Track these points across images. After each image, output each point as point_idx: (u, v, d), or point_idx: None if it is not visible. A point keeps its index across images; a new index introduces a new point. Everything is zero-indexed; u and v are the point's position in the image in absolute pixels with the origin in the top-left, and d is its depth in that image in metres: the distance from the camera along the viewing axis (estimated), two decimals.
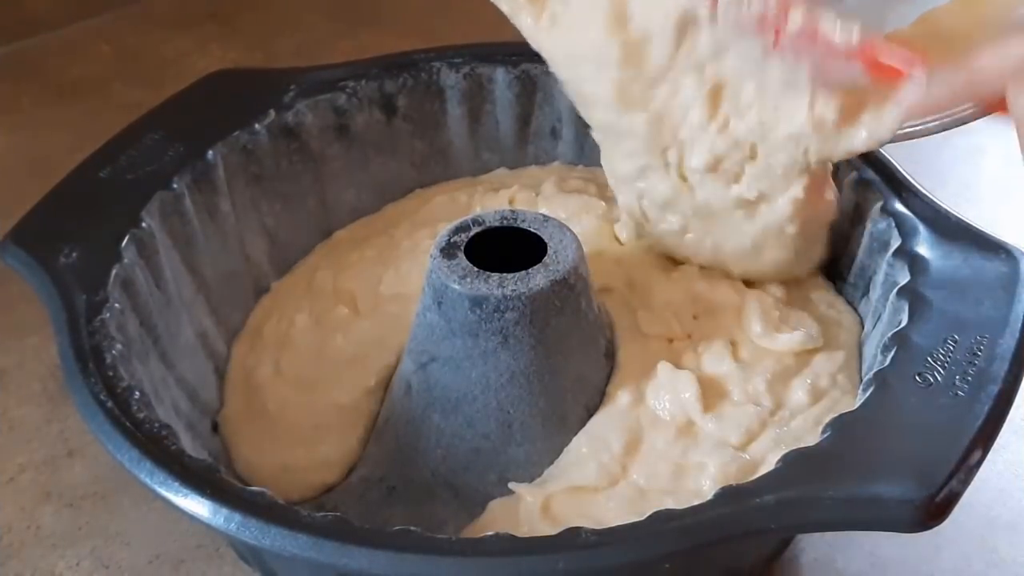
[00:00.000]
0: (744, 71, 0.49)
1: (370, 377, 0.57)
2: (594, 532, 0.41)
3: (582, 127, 0.68)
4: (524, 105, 0.68)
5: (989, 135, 0.78)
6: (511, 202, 0.65)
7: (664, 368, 0.53)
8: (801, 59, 0.43)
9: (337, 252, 0.65)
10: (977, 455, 0.42)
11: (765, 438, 0.51)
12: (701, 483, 0.50)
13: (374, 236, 0.65)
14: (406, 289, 0.60)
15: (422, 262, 0.60)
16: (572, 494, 0.51)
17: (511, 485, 0.52)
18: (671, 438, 0.51)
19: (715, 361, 0.54)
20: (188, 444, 0.48)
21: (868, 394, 0.47)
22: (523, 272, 0.52)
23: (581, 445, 0.53)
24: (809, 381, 0.53)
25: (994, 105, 0.40)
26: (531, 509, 0.50)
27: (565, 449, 0.53)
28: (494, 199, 0.65)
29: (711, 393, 0.53)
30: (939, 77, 0.39)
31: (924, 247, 0.53)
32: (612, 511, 0.49)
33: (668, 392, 0.53)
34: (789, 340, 0.54)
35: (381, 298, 0.61)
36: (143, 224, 0.55)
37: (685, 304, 0.57)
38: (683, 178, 0.55)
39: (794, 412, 0.52)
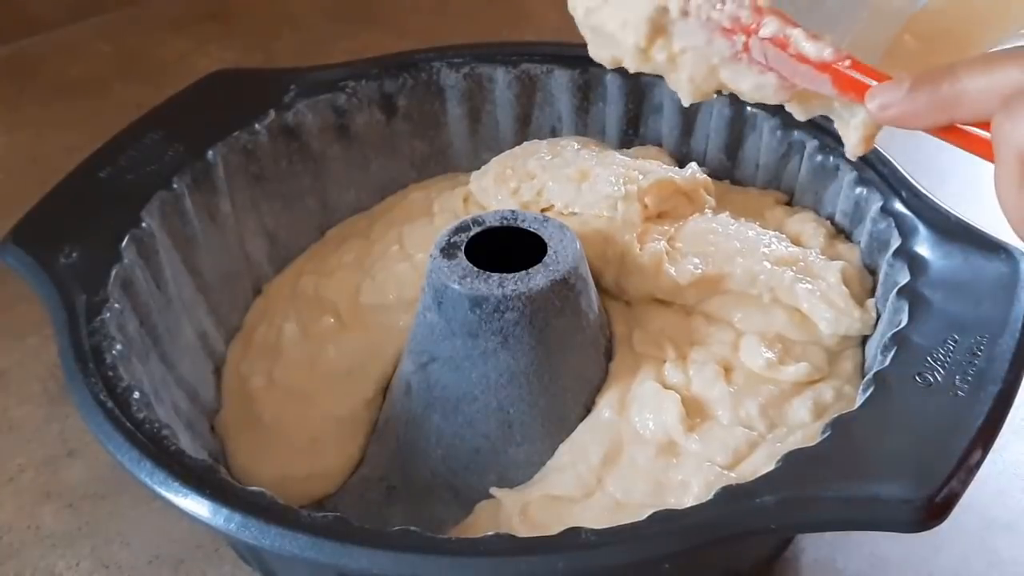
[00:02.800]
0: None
1: (368, 388, 0.57)
2: (594, 532, 0.41)
3: (581, 127, 0.68)
4: (524, 105, 0.68)
5: None
6: (465, 200, 0.64)
7: (650, 387, 0.53)
8: (769, 65, 0.43)
9: (322, 254, 0.65)
10: (977, 455, 0.42)
11: (756, 457, 0.50)
12: (684, 501, 0.49)
13: (353, 237, 0.65)
14: (384, 299, 0.60)
15: (395, 271, 0.61)
16: (550, 502, 0.50)
17: (492, 490, 0.52)
18: (652, 455, 0.51)
19: (706, 384, 0.53)
20: (188, 444, 0.48)
21: (868, 394, 0.47)
22: (523, 272, 0.52)
23: (564, 453, 0.52)
24: (811, 400, 0.52)
25: (950, 130, 0.39)
26: (510, 514, 0.50)
27: (555, 454, 0.53)
28: (451, 197, 0.65)
29: (697, 415, 0.52)
30: (924, 90, 0.38)
31: (924, 247, 0.53)
32: (588, 521, 0.48)
33: (651, 411, 0.52)
34: (795, 373, 0.53)
35: (362, 309, 0.60)
36: (143, 224, 0.55)
37: (682, 332, 0.56)
38: None
39: (793, 429, 0.51)
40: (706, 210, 0.61)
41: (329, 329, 0.60)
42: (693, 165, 0.62)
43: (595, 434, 0.52)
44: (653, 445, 0.51)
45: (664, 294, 0.56)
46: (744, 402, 0.52)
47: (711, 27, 0.44)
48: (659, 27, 0.45)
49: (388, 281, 0.61)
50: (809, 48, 0.41)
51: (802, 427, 0.51)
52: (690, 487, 0.49)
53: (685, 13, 0.44)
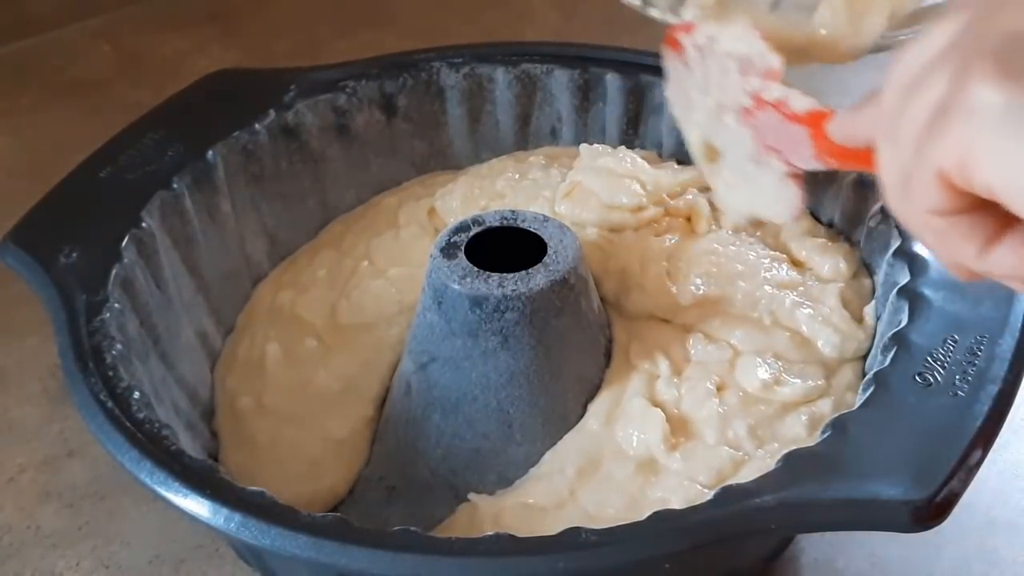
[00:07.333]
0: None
1: (367, 407, 0.56)
2: (594, 532, 0.41)
3: (581, 127, 0.68)
4: (524, 105, 0.68)
5: None
6: (430, 214, 0.64)
7: (638, 403, 0.52)
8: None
9: (299, 265, 0.64)
10: (977, 455, 0.42)
11: (742, 475, 0.49)
12: None
13: (326, 248, 0.64)
14: (364, 318, 0.59)
15: (370, 289, 0.60)
16: (523, 510, 0.50)
17: (470, 495, 0.52)
18: (631, 471, 0.50)
19: (696, 403, 0.52)
20: (188, 444, 0.48)
21: (868, 394, 0.47)
22: (523, 272, 0.52)
23: (546, 461, 0.52)
24: (806, 416, 0.51)
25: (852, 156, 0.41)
26: (483, 519, 0.50)
27: (539, 461, 0.52)
28: (415, 208, 0.64)
29: (682, 433, 0.51)
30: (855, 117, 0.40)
31: (924, 247, 0.53)
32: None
33: (636, 427, 0.51)
34: (791, 393, 0.52)
35: (343, 329, 0.59)
36: (143, 224, 0.55)
37: (679, 348, 0.55)
38: None
39: (786, 444, 0.50)
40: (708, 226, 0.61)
41: (314, 352, 0.58)
42: (693, 191, 0.62)
43: (578, 445, 0.52)
44: (633, 461, 0.51)
45: (664, 312, 0.56)
46: (733, 422, 0.51)
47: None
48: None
49: (365, 300, 0.60)
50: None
51: (796, 442, 0.50)
52: (669, 504, 0.48)
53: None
